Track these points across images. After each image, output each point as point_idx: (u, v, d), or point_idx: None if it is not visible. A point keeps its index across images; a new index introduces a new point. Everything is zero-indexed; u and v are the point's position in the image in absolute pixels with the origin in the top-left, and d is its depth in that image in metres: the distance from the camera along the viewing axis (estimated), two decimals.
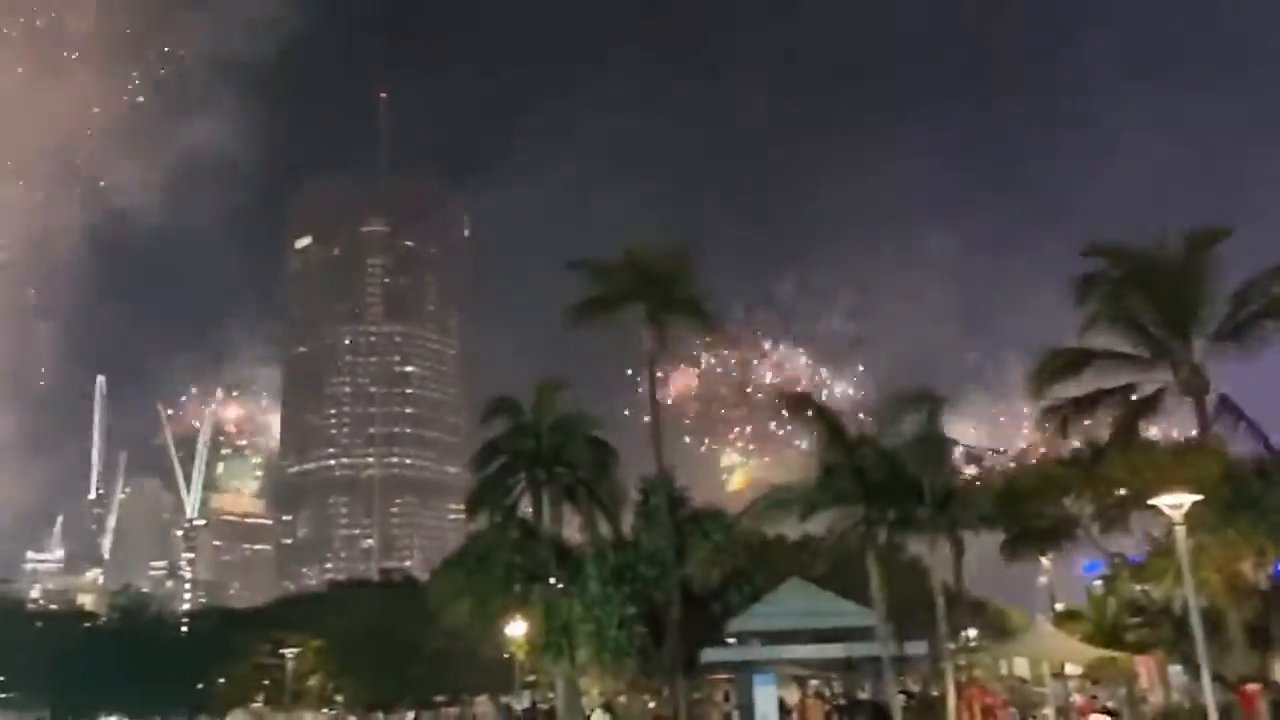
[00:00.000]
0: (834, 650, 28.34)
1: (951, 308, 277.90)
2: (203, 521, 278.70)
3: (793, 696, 30.22)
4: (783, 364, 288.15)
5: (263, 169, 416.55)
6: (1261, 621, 25.66)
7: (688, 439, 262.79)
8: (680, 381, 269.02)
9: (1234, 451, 25.68)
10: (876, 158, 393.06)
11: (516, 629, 38.51)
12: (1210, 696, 19.22)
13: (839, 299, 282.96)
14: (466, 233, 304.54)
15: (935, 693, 33.06)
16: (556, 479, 36.56)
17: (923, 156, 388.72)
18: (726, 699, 33.61)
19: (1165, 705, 25.81)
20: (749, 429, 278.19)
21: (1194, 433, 26.76)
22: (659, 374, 37.03)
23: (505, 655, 44.80)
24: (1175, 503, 18.31)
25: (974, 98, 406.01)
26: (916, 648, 28.41)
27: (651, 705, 39.30)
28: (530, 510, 37.64)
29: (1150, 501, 19.10)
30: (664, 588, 32.87)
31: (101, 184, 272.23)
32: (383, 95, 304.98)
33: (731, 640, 30.00)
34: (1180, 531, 18.44)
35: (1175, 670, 28.35)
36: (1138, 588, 30.23)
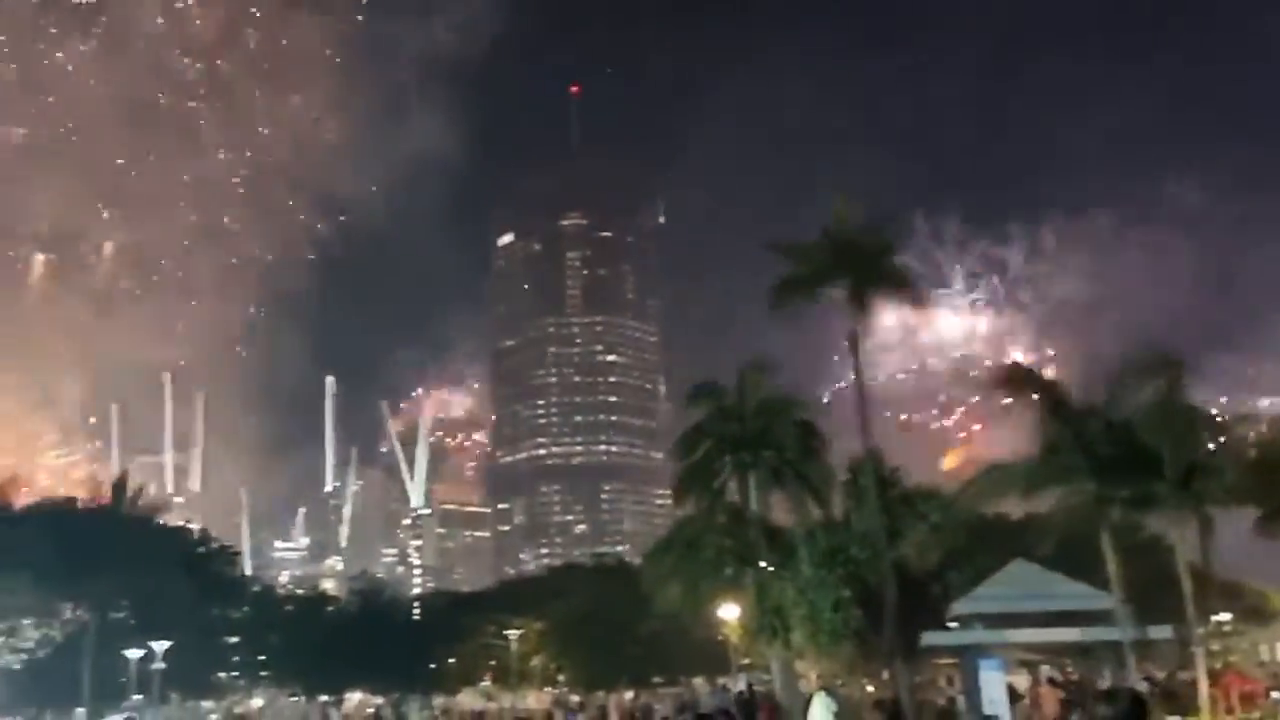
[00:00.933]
0: (1067, 634, 26.82)
1: (1195, 263, 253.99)
2: (427, 511, 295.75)
3: (1022, 682, 28.92)
4: (1002, 335, 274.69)
5: (470, 168, 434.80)
6: None
7: (902, 416, 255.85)
8: (887, 358, 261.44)
9: None
10: (1109, 101, 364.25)
11: (729, 612, 38.69)
12: None
13: (1070, 259, 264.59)
14: (661, 219, 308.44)
15: (1184, 678, 30.78)
16: (763, 462, 36.29)
17: (1163, 97, 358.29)
18: (950, 684, 32.58)
19: None
20: (965, 405, 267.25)
21: None
22: (864, 352, 36.05)
23: (719, 638, 45.19)
24: None
25: (1219, 31, 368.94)
26: (1160, 632, 26.47)
27: (870, 689, 38.64)
28: (738, 494, 37.69)
29: None
30: (877, 569, 32.20)
31: (322, 191, 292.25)
32: (574, 89, 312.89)
33: (953, 624, 29.02)
34: None
35: None
36: None
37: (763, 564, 35.95)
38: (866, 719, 30.33)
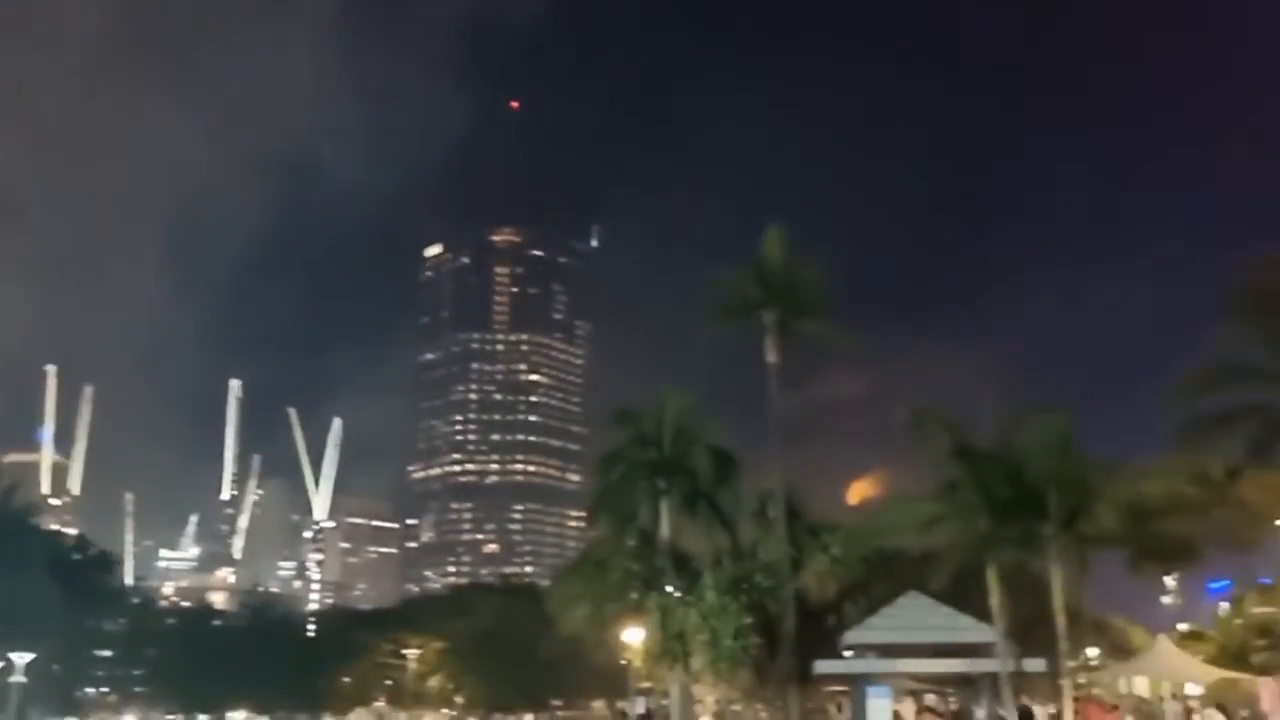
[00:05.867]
0: (951, 665, 28.10)
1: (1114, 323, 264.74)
2: (331, 524, 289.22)
3: (908, 710, 29.99)
4: (918, 376, 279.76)
5: (398, 177, 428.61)
6: None
7: (816, 450, 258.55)
8: (810, 392, 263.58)
9: None
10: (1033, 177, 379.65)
11: (633, 636, 39.01)
12: None
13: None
14: (595, 243, 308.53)
15: (1052, 710, 32.41)
16: (676, 488, 36.84)
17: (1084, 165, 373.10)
18: (840, 710, 33.62)
19: None
20: (876, 441, 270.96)
21: None
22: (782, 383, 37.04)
23: (621, 661, 45.56)
24: None
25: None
26: (1035, 665, 27.97)
27: (764, 716, 39.39)
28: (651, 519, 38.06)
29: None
30: (779, 598, 33.05)
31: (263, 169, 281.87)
32: (514, 104, 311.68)
33: (847, 653, 29.99)
34: None
35: None
36: (1266, 609, 29.16)
37: (669, 589, 36.34)
38: None
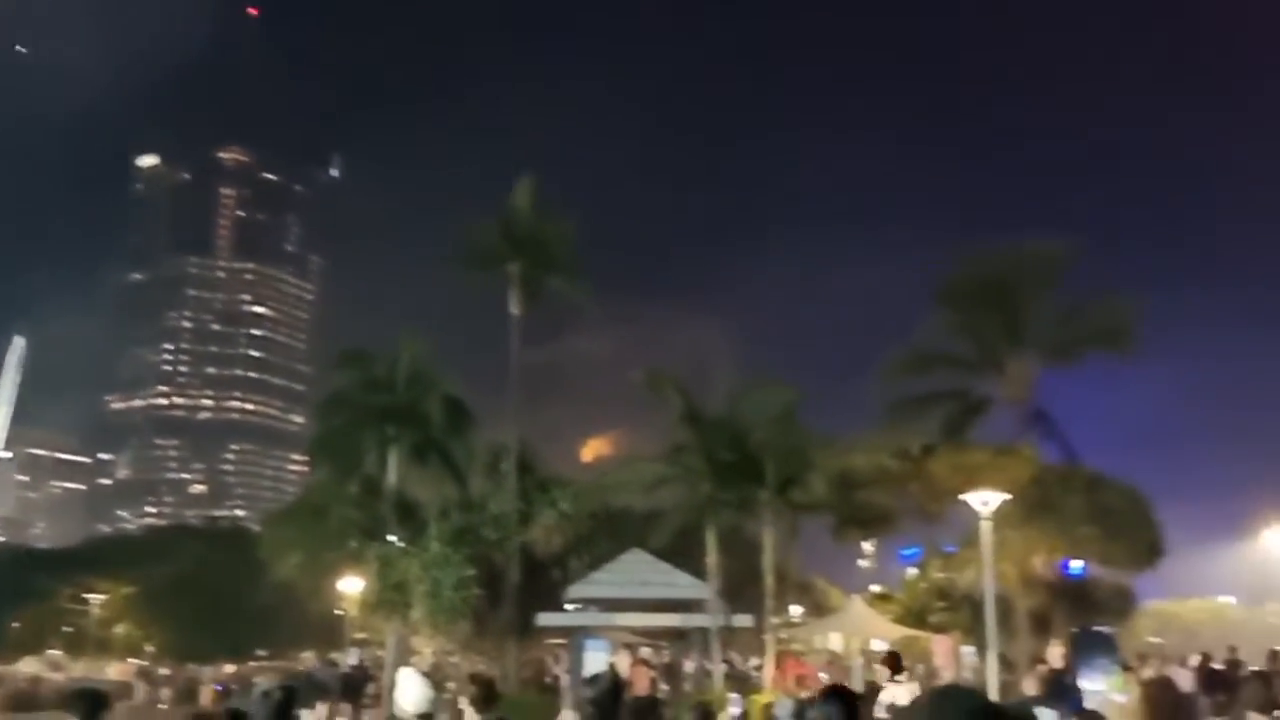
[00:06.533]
0: (667, 619, 29.44)
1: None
2: (7, 455, 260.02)
3: (623, 662, 30.99)
4: (662, 341, 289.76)
5: (111, 73, 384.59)
6: (1044, 610, 28.66)
7: (555, 407, 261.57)
8: (554, 349, 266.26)
9: (1043, 459, 28.27)
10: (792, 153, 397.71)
11: (350, 585, 38.04)
12: (994, 674, 21.32)
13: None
14: (335, 174, 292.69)
15: (756, 662, 34.89)
16: (406, 436, 36.01)
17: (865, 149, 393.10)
18: (556, 662, 34.33)
19: (953, 680, 28.28)
20: (614, 401, 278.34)
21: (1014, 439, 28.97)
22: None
23: (337, 611, 44.24)
24: (984, 500, 19.99)
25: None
26: (743, 620, 29.90)
27: (481, 667, 39.48)
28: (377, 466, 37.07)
29: (962, 497, 20.78)
30: (506, 551, 33.17)
31: None
32: (253, 11, 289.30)
33: (570, 606, 30.59)
34: (986, 526, 20.17)
35: (969, 651, 30.93)
36: (946, 575, 32.85)
37: (392, 539, 35.59)
38: (464, 691, 31.17)
